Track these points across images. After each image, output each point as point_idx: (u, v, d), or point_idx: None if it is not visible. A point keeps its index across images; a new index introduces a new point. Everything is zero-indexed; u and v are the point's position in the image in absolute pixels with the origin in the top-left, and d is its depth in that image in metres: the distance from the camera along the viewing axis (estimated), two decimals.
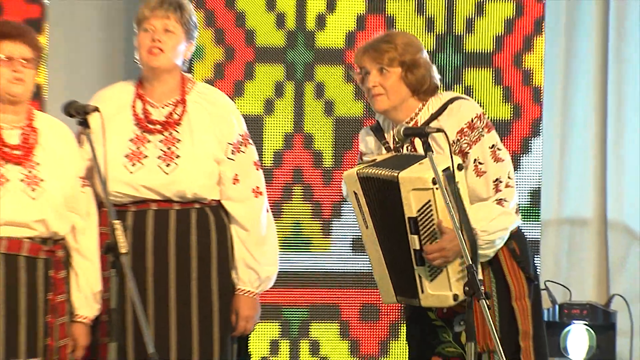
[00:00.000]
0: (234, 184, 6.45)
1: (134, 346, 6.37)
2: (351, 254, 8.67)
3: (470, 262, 5.83)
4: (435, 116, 6.40)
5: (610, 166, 10.02)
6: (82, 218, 6.19)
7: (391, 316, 8.99)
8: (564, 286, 9.58)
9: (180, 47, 6.51)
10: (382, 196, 6.38)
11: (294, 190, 8.99)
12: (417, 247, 6.14)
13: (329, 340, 8.74)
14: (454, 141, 6.26)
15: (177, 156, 6.34)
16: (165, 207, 6.37)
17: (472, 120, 6.36)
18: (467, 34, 9.15)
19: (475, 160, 6.24)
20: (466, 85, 9.48)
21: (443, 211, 6.06)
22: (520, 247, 6.42)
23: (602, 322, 9.15)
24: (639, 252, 9.81)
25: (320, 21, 8.94)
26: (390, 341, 8.93)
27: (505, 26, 9.41)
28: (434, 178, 5.98)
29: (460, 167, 6.16)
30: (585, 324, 9.07)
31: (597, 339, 9.07)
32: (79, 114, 5.98)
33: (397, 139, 6.62)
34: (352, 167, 7.25)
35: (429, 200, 6.13)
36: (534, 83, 9.39)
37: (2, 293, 5.99)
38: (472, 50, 9.14)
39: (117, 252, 5.55)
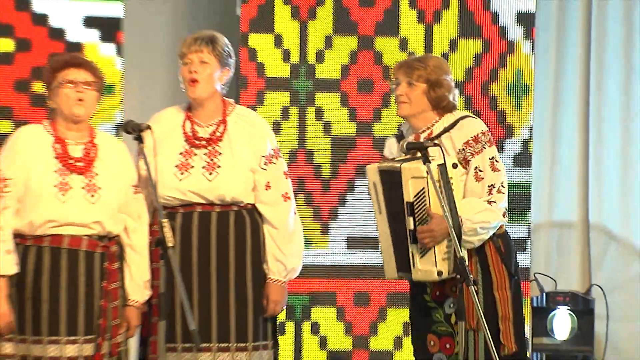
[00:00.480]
0: (266, 190, 6.41)
1: (181, 324, 6.23)
2: (345, 250, 8.59)
3: (458, 246, 5.85)
4: (447, 129, 6.42)
5: (592, 179, 9.91)
6: (133, 220, 6.21)
7: (379, 302, 8.80)
8: (551, 277, 9.44)
9: (215, 75, 6.46)
10: (392, 185, 6.36)
11: (297, 197, 8.26)
12: (412, 228, 6.16)
13: (327, 322, 8.61)
14: (459, 150, 6.31)
15: (219, 166, 6.31)
16: (208, 209, 6.34)
17: (477, 135, 6.35)
18: None
19: (476, 167, 6.22)
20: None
21: (434, 198, 6.08)
22: (505, 246, 6.35)
23: (582, 307, 9.07)
24: (616, 250, 9.73)
25: (320, 56, 8.78)
26: (379, 323, 8.75)
27: (475, 60, 9.13)
28: (427, 169, 6.08)
29: (454, 166, 6.18)
30: (568, 309, 9.01)
31: (578, 322, 9.00)
32: (134, 131, 6.07)
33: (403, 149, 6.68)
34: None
35: (423, 188, 6.14)
36: (523, 109, 8.95)
37: (64, 281, 5.99)
38: None
39: (165, 246, 5.61)
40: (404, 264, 6.33)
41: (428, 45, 8.93)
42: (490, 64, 9.06)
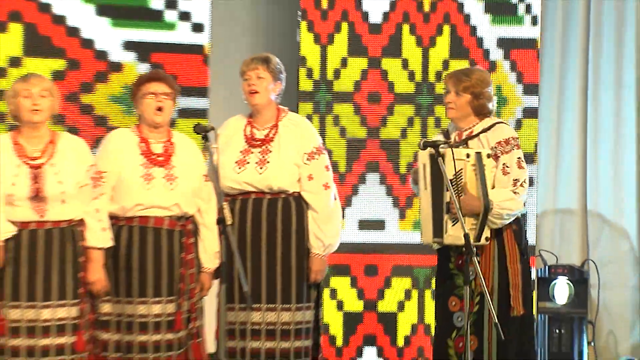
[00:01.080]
0: (309, 180, 6.97)
1: (238, 288, 6.84)
2: (357, 230, 8.99)
3: (464, 223, 6.46)
4: (485, 130, 7.03)
5: (589, 174, 10.10)
6: (205, 202, 6.81)
7: (385, 273, 9.08)
8: (553, 253, 9.75)
9: (269, 87, 7.05)
10: (438, 167, 6.88)
11: None
12: (448, 200, 6.71)
13: (342, 289, 9.01)
14: (492, 147, 6.88)
15: (268, 162, 6.91)
16: (260, 196, 6.93)
17: (508, 138, 6.94)
18: (437, 81, 9.18)
19: (504, 164, 6.80)
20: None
21: (470, 178, 6.73)
22: (519, 229, 6.98)
23: (578, 277, 9.44)
24: (608, 232, 10.02)
25: (337, 74, 9.08)
26: (385, 290, 9.09)
27: None
28: (467, 153, 6.73)
29: (489, 156, 6.78)
30: (566, 279, 9.33)
31: (574, 290, 9.32)
32: (202, 132, 6.64)
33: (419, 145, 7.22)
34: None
35: (461, 169, 6.73)
36: (504, 116, 9.09)
37: (150, 253, 6.63)
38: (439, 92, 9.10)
39: (224, 224, 6.24)
40: (438, 231, 6.85)
41: (424, 65, 9.17)
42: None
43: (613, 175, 10.17)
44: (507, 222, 6.82)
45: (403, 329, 9.05)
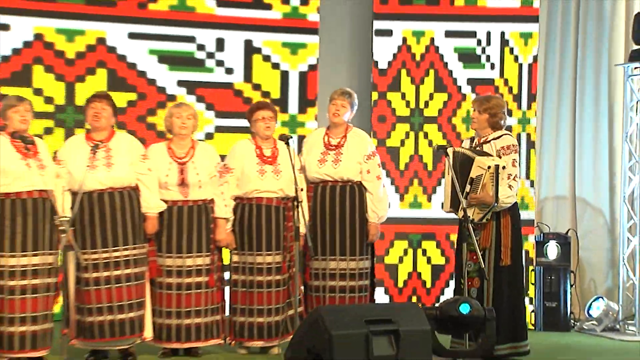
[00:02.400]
0: (367, 174, 7.95)
1: (321, 245, 7.92)
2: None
3: (467, 214, 7.33)
4: (495, 138, 7.75)
5: (577, 172, 10.63)
6: (299, 184, 7.57)
7: (390, 237, 9.86)
8: (547, 225, 10.36)
9: (347, 113, 8.02)
10: (461, 162, 7.65)
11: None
12: (467, 191, 7.47)
13: None
14: (497, 150, 7.65)
15: (340, 160, 7.92)
16: (335, 184, 7.92)
17: (509, 145, 7.71)
18: (425, 107, 10.17)
19: (497, 165, 7.44)
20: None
21: (487, 182, 7.43)
22: (514, 210, 7.76)
23: (563, 241, 9.91)
24: (590, 212, 10.57)
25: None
26: (389, 249, 9.95)
27: (443, 104, 10.25)
28: (489, 166, 7.36)
29: (504, 167, 7.47)
30: (555, 242, 9.88)
31: (561, 249, 9.83)
32: (285, 139, 7.70)
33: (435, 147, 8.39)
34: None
35: (482, 174, 7.42)
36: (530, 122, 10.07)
37: (264, 222, 7.67)
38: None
39: (298, 202, 7.35)
40: (454, 206, 7.59)
41: (416, 97, 10.02)
42: (452, 106, 10.03)
43: (593, 173, 10.56)
44: (505, 207, 7.60)
45: (402, 276, 9.79)
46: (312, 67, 10.14)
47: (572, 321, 9.88)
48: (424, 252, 9.96)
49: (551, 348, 8.58)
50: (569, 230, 10.21)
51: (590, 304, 9.92)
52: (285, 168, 7.72)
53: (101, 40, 9.49)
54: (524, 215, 9.42)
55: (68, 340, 7.39)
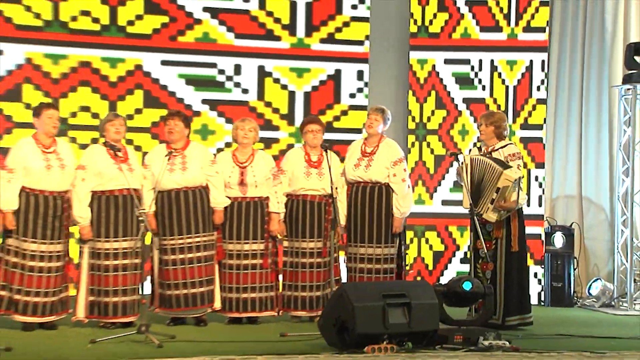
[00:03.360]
0: (394, 177, 8.04)
1: (353, 233, 8.14)
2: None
3: (491, 216, 7.69)
4: (502, 147, 7.90)
5: (583, 175, 10.62)
6: (339, 187, 7.89)
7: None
8: (554, 219, 10.46)
9: (379, 126, 8.12)
10: (479, 168, 7.79)
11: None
12: (494, 197, 7.63)
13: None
14: (505, 157, 7.78)
15: (371, 166, 8.06)
16: (366, 185, 8.07)
17: (514, 153, 7.85)
18: (427, 122, 10.46)
19: (518, 178, 7.69)
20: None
21: (511, 192, 7.63)
22: (520, 208, 7.90)
23: (567, 232, 9.95)
24: (593, 209, 10.57)
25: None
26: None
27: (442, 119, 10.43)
28: (515, 179, 7.55)
29: (520, 180, 7.68)
30: (561, 233, 9.91)
31: (565, 239, 9.88)
32: (324, 147, 7.76)
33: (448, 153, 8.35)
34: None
35: (507, 186, 7.56)
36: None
37: (308, 213, 7.92)
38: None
39: (332, 198, 7.58)
40: (474, 203, 7.68)
41: (420, 112, 10.24)
42: (450, 121, 10.23)
43: (595, 176, 10.53)
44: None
45: (408, 260, 9.63)
46: (315, 88, 10.19)
47: (575, 298, 9.92)
48: (427, 240, 10.13)
49: (556, 320, 8.58)
50: (572, 223, 10.22)
51: (590, 285, 10.01)
52: (327, 169, 7.81)
53: (138, 67, 9.66)
54: (536, 211, 9.84)
55: (153, 309, 7.71)
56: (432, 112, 10.21)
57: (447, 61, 10.27)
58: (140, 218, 7.03)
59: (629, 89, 9.69)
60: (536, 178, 10.04)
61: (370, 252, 8.09)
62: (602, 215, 10.46)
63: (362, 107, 10.12)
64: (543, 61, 10.17)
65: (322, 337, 6.59)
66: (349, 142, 8.71)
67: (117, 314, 7.44)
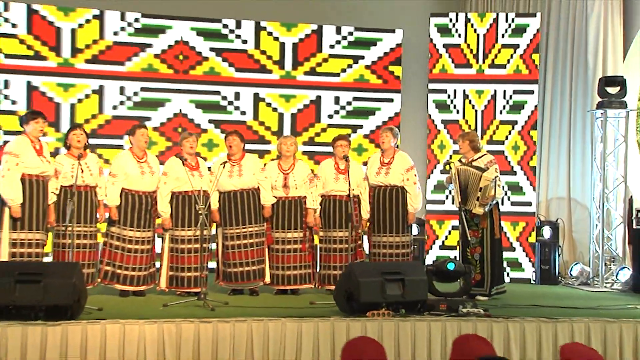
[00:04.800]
0: (407, 181, 8.16)
1: (376, 225, 8.13)
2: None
3: (477, 206, 7.73)
4: (480, 157, 8.05)
5: (571, 181, 10.71)
6: (362, 188, 8.06)
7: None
8: (543, 215, 10.55)
9: (392, 142, 8.21)
10: (468, 176, 7.87)
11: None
12: (478, 196, 7.78)
13: None
14: (486, 164, 7.89)
15: (389, 173, 8.20)
16: (385, 188, 8.21)
17: (490, 160, 7.96)
18: None
19: (495, 177, 7.79)
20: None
21: (490, 189, 7.76)
22: (497, 205, 8.07)
23: (554, 226, 10.08)
24: (580, 208, 10.67)
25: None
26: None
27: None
28: (492, 178, 7.70)
29: (496, 179, 7.77)
30: (549, 227, 9.97)
31: (552, 231, 9.99)
32: (345, 158, 7.97)
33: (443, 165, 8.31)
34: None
35: (487, 185, 7.69)
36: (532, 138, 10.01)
37: (337, 211, 8.00)
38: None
39: (350, 197, 7.66)
40: (464, 203, 7.86)
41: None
42: (431, 138, 10.33)
43: (581, 182, 10.60)
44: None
45: None
46: (300, 110, 10.51)
47: (560, 278, 10.00)
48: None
49: (539, 294, 8.58)
50: (558, 219, 10.29)
51: (572, 267, 10.10)
52: (352, 177, 7.94)
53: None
54: (528, 209, 10.05)
55: (218, 282, 8.01)
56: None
57: (429, 91, 10.40)
58: (200, 212, 7.18)
59: (601, 113, 9.80)
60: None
61: (391, 240, 8.17)
62: (585, 212, 10.42)
63: (338, 126, 10.48)
64: (504, 90, 10.28)
65: (336, 305, 6.71)
66: (327, 153, 8.83)
67: (190, 286, 7.71)
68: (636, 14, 10.20)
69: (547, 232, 9.93)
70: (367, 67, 10.55)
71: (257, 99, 10.34)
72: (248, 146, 8.53)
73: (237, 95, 10.32)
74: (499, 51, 10.13)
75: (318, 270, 8.15)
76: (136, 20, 10.04)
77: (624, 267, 9.48)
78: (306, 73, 10.45)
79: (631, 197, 9.88)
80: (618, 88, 9.63)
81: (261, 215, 7.98)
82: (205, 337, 5.93)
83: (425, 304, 6.65)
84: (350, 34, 10.52)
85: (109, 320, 5.90)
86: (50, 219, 7.34)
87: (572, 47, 10.52)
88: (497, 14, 10.11)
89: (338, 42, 10.51)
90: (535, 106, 10.11)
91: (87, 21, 9.86)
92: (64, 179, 7.33)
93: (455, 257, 8.27)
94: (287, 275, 8.05)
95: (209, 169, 8.05)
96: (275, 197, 8.01)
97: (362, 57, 10.51)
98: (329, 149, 8.59)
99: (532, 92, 10.13)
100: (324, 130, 10.45)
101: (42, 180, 7.28)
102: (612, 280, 9.49)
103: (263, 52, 10.34)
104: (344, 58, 10.51)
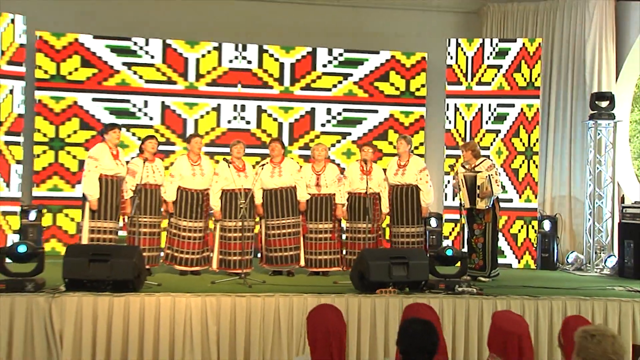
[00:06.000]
0: (420, 180, 8.14)
1: (395, 218, 8.09)
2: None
3: (479, 201, 7.78)
4: (480, 163, 8.04)
5: (572, 182, 10.69)
6: (381, 186, 7.98)
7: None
8: (545, 211, 10.42)
9: (407, 148, 8.22)
10: (471, 180, 8.00)
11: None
12: (478, 192, 7.85)
13: None
14: (485, 169, 7.94)
15: (404, 173, 8.21)
16: (402, 186, 8.21)
17: (490, 165, 7.99)
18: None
19: (490, 174, 7.93)
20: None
21: (486, 185, 7.80)
22: (497, 201, 8.06)
23: (553, 220, 10.01)
24: (578, 205, 10.63)
25: None
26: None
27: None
28: (486, 176, 7.81)
29: (490, 177, 7.84)
30: (549, 220, 9.88)
31: (551, 224, 9.91)
32: (365, 161, 7.91)
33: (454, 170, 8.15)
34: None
35: (483, 182, 7.79)
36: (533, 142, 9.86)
37: (362, 207, 7.80)
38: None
39: (368, 193, 7.75)
40: (470, 202, 7.93)
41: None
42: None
43: (580, 181, 10.57)
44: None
45: None
46: (297, 120, 10.51)
47: (558, 264, 9.93)
48: None
49: (537, 278, 8.50)
50: (556, 214, 10.23)
51: (568, 255, 10.08)
52: (374, 178, 8.07)
53: (75, 102, 10.02)
54: (510, 205, 9.95)
55: (261, 264, 8.08)
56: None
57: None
58: (241, 207, 7.42)
59: (593, 124, 9.84)
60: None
61: (407, 230, 8.21)
62: (581, 208, 10.41)
63: (329, 133, 10.59)
64: (489, 104, 10.23)
65: (352, 284, 6.80)
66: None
67: (235, 267, 7.78)
68: (626, 38, 10.23)
69: (547, 225, 9.86)
70: (355, 83, 10.60)
71: (260, 110, 10.37)
72: (252, 150, 8.82)
73: (242, 108, 10.45)
74: (485, 71, 10.14)
75: (345, 255, 8.10)
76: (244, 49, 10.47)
77: (611, 255, 9.48)
78: (302, 88, 10.48)
79: (623, 195, 9.86)
80: (607, 102, 9.64)
81: (297, 209, 8.04)
82: (240, 309, 6.13)
83: (427, 283, 6.70)
84: (341, 54, 10.54)
85: (163, 293, 6.20)
86: (126, 211, 7.53)
87: (572, 66, 10.50)
88: (483, 39, 10.13)
89: (330, 62, 10.57)
90: (516, 117, 10.10)
91: (208, 52, 10.34)
92: (138, 178, 7.53)
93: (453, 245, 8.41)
94: (319, 259, 8.08)
95: (167, 168, 8.29)
96: (309, 194, 8.07)
97: (351, 75, 10.57)
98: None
99: (513, 105, 10.09)
100: (317, 137, 10.43)
101: (116, 179, 7.55)
102: (602, 266, 9.48)
103: (265, 71, 10.40)
104: (335, 75, 10.57)
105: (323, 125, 10.53)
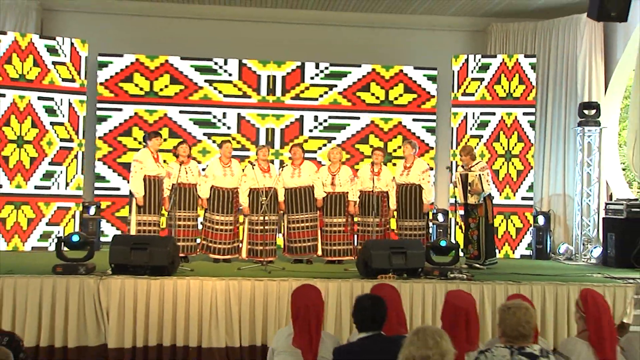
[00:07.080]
0: (423, 180, 8.09)
1: (400, 214, 8.01)
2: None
3: (462, 196, 7.78)
4: (475, 164, 7.97)
5: (565, 183, 10.48)
6: (390, 187, 7.95)
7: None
8: (540, 207, 10.33)
9: (412, 152, 8.17)
10: (464, 179, 8.05)
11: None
12: (469, 189, 7.81)
13: None
14: (479, 169, 7.86)
15: (409, 174, 8.11)
16: (407, 185, 8.11)
17: (484, 166, 7.93)
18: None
19: (482, 174, 7.89)
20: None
21: (476, 182, 7.79)
22: (490, 198, 7.99)
23: (546, 215, 9.96)
24: (571, 202, 10.41)
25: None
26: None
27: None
28: (476, 175, 7.75)
29: (481, 176, 7.81)
30: (543, 215, 9.79)
31: (544, 219, 9.82)
32: (372, 165, 7.86)
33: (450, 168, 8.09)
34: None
35: (473, 180, 7.78)
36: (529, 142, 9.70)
37: (372, 203, 7.68)
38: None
39: (372, 191, 7.70)
40: (464, 197, 7.90)
41: None
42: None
43: (573, 182, 10.40)
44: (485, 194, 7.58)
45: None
46: (287, 126, 10.51)
47: (550, 255, 9.84)
48: None
49: (529, 266, 8.37)
50: (549, 210, 10.20)
51: (560, 246, 9.97)
52: (383, 178, 8.02)
53: (166, 114, 10.25)
54: (510, 202, 9.81)
55: (283, 254, 8.07)
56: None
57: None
58: (262, 202, 7.53)
59: (580, 130, 9.88)
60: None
61: (411, 224, 8.17)
62: (576, 206, 10.20)
63: (316, 138, 10.52)
64: (473, 112, 10.14)
65: (357, 270, 6.84)
66: (309, 159, 8.97)
67: (261, 256, 7.75)
68: (613, 54, 10.21)
69: (541, 220, 9.77)
70: (339, 93, 10.48)
71: (240, 117, 10.48)
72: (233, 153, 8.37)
73: (224, 115, 10.56)
74: (469, 83, 10.04)
75: (356, 245, 8.02)
76: (326, 67, 10.59)
77: (597, 246, 9.38)
78: (292, 98, 10.41)
79: (611, 193, 9.83)
80: (594, 111, 9.64)
81: (315, 206, 8.06)
82: (258, 291, 6.21)
83: (423, 270, 6.70)
84: (327, 68, 10.43)
85: (192, 277, 6.32)
86: (165, 207, 7.69)
87: (566, 79, 10.40)
88: (468, 56, 10.08)
89: (317, 74, 10.47)
90: (497, 124, 9.99)
91: (293, 70, 10.51)
92: (174, 179, 7.62)
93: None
94: (334, 249, 8.07)
95: (204, 169, 8.35)
96: (325, 192, 8.06)
97: (336, 86, 10.46)
98: (311, 155, 9.42)
99: (494, 114, 9.97)
100: (305, 141, 10.34)
101: (157, 179, 7.73)
102: (589, 256, 9.42)
103: (245, 82, 10.52)
104: (322, 87, 10.47)
105: (311, 130, 10.44)
